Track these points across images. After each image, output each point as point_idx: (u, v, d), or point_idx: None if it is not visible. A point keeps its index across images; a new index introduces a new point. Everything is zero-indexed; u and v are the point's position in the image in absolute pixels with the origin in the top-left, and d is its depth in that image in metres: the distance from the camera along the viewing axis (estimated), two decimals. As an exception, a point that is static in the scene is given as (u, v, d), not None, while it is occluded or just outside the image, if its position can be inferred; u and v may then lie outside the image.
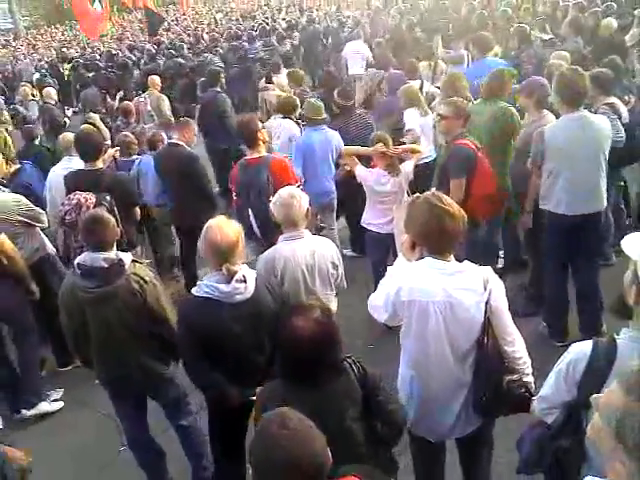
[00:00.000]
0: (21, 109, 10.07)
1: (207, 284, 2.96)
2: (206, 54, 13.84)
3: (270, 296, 3.11)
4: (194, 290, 3.00)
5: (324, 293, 3.54)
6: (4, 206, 4.67)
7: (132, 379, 3.44)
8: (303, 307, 2.51)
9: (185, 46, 15.14)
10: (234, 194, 4.93)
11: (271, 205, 3.56)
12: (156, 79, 9.50)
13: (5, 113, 8.99)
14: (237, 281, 2.94)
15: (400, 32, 11.37)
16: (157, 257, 6.44)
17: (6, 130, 7.70)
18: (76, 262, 3.34)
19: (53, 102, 10.03)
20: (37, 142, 7.14)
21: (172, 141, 5.80)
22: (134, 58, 14.76)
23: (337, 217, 6.18)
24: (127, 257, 3.36)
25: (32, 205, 4.85)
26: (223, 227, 2.96)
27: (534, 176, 4.50)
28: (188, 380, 3.23)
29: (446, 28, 10.85)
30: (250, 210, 4.70)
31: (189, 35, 18.35)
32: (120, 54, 15.28)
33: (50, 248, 5.04)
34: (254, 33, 14.46)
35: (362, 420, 2.43)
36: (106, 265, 3.27)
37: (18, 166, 5.76)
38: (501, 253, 5.78)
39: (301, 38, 14.54)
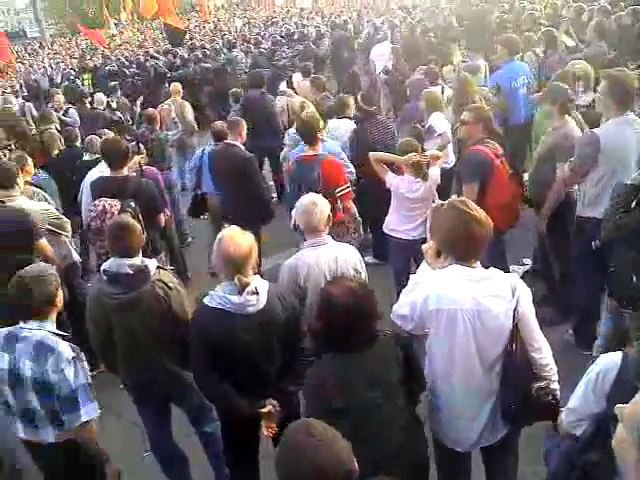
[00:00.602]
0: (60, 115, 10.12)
1: (219, 295, 2.94)
2: (232, 51, 13.86)
3: (282, 306, 3.06)
4: (206, 300, 2.99)
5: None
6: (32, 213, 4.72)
7: (157, 384, 3.46)
8: (339, 279, 2.86)
9: (214, 47, 15.20)
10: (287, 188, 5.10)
11: (293, 212, 3.58)
12: (178, 86, 9.54)
13: (53, 113, 9.00)
14: (249, 293, 2.92)
15: (414, 38, 11.39)
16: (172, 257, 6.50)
17: (56, 128, 7.86)
18: (102, 268, 3.36)
19: (102, 108, 10.14)
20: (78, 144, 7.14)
21: (228, 141, 5.93)
22: (160, 63, 14.81)
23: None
24: (152, 263, 3.38)
25: (59, 214, 4.94)
26: (236, 238, 2.94)
27: (562, 182, 4.40)
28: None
29: (463, 36, 10.77)
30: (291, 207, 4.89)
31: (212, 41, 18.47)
32: (149, 61, 15.32)
33: (76, 256, 5.11)
34: (279, 38, 14.51)
35: (404, 384, 2.62)
36: (131, 271, 3.29)
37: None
38: (525, 260, 5.73)
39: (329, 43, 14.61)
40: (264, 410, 3.02)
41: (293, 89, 9.25)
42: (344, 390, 2.52)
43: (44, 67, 19.56)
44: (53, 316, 3.11)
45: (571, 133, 4.56)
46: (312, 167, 4.92)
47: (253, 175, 5.76)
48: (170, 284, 3.35)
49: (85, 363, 3.05)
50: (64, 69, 18.37)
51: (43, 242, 4.49)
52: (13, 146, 7.06)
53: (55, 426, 3.00)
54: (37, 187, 5.40)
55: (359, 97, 6.47)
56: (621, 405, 1.49)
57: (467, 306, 2.57)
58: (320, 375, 2.63)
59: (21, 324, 3.02)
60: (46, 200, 5.22)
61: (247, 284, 2.91)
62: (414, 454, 2.65)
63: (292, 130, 6.53)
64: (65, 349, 2.96)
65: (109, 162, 5.12)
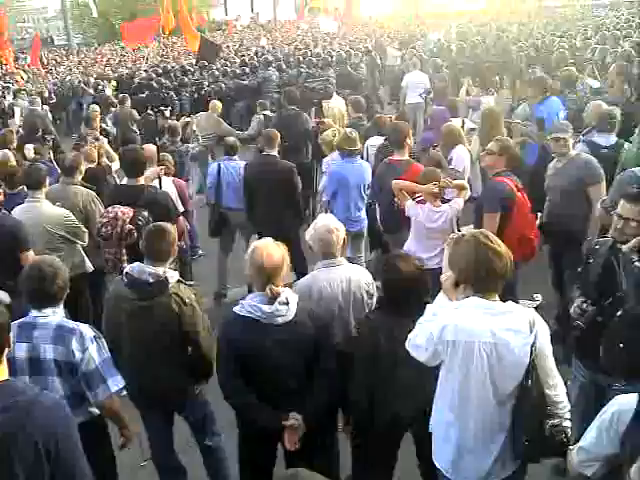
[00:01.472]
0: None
1: (250, 304, 3.00)
2: (269, 70, 14.00)
3: (310, 321, 3.10)
4: (236, 309, 3.05)
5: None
6: (51, 218, 4.85)
7: (160, 393, 3.47)
8: (403, 254, 3.44)
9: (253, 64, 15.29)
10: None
11: (307, 236, 3.61)
12: (217, 104, 9.77)
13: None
14: (280, 303, 2.96)
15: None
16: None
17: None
18: (125, 271, 3.43)
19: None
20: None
21: (266, 152, 6.09)
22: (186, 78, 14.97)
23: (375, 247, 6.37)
24: (174, 276, 3.41)
25: (78, 222, 4.98)
26: (269, 249, 3.01)
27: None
28: (216, 400, 3.25)
29: (472, 70, 10.91)
30: (377, 204, 5.39)
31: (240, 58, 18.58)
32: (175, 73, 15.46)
33: (88, 266, 5.11)
34: (315, 61, 14.63)
35: None
36: (151, 280, 3.33)
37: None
38: (536, 296, 5.70)
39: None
40: (287, 423, 3.03)
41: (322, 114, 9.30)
42: (394, 343, 2.90)
43: (69, 73, 19.79)
44: (62, 302, 3.18)
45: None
46: (397, 170, 5.22)
47: (296, 184, 6.00)
48: (187, 300, 3.36)
49: (103, 340, 3.13)
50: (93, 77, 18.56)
51: (29, 255, 4.41)
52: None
53: (75, 409, 2.96)
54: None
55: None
56: None
57: (484, 339, 2.52)
58: (374, 328, 3.12)
59: (34, 313, 3.06)
60: (94, 203, 5.30)
61: (278, 294, 2.96)
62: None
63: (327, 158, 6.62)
64: (85, 329, 3.06)
65: (126, 170, 5.21)
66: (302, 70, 13.88)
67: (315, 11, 36.43)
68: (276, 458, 3.27)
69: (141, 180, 5.10)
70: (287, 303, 2.98)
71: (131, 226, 4.67)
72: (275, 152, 6.12)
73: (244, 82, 13.78)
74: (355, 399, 3.22)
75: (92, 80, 16.90)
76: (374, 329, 3.12)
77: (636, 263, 3.01)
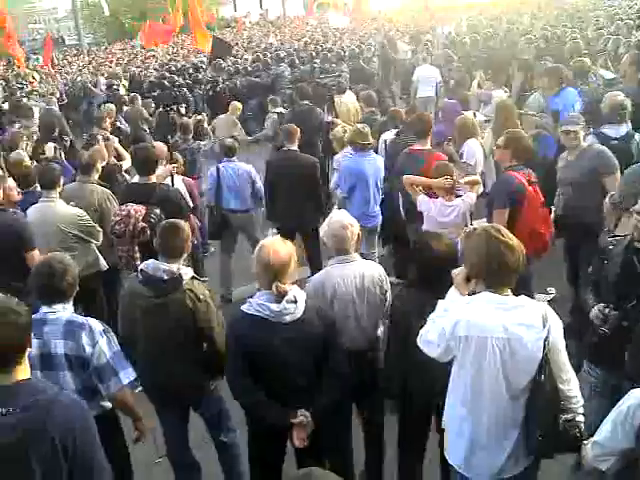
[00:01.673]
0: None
1: (258, 302, 2.99)
2: (281, 66, 13.96)
3: (319, 319, 3.10)
4: (244, 307, 3.04)
5: (372, 318, 3.54)
6: (65, 217, 4.89)
7: (175, 389, 3.48)
8: (435, 233, 3.50)
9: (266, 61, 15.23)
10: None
11: (321, 232, 3.62)
12: (238, 105, 9.91)
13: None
14: (288, 301, 2.95)
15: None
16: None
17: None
18: (140, 267, 3.45)
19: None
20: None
21: (287, 148, 6.17)
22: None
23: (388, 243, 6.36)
24: (188, 272, 3.43)
25: (92, 222, 5.01)
26: (276, 246, 2.99)
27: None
28: (229, 397, 3.24)
29: (485, 63, 10.80)
30: (400, 192, 5.41)
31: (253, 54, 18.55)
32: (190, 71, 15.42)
33: (102, 265, 5.14)
34: (329, 55, 14.60)
35: None
36: (165, 277, 3.36)
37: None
38: (550, 289, 5.67)
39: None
40: (296, 420, 3.03)
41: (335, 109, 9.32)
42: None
43: (80, 73, 19.84)
44: (72, 299, 3.21)
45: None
46: (418, 159, 5.30)
47: (319, 178, 6.09)
48: (201, 296, 3.38)
49: (113, 333, 3.17)
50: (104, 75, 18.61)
51: (34, 254, 4.45)
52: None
53: (87, 403, 2.99)
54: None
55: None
56: None
57: (497, 334, 2.51)
58: (406, 306, 3.23)
59: (44, 309, 3.09)
60: (109, 201, 5.34)
61: (285, 292, 2.95)
62: None
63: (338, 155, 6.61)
64: (94, 323, 3.09)
65: (138, 168, 5.24)
66: (315, 65, 13.85)
67: (324, 7, 36.31)
68: (285, 455, 3.28)
69: (153, 178, 5.13)
70: (295, 301, 2.97)
71: (144, 224, 4.69)
72: (295, 147, 6.15)
73: (256, 79, 13.69)
74: (387, 382, 3.29)
75: (103, 80, 16.92)
76: (406, 313, 3.19)
77: None
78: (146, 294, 3.37)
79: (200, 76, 14.77)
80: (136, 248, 4.74)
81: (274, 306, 2.94)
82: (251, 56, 17.16)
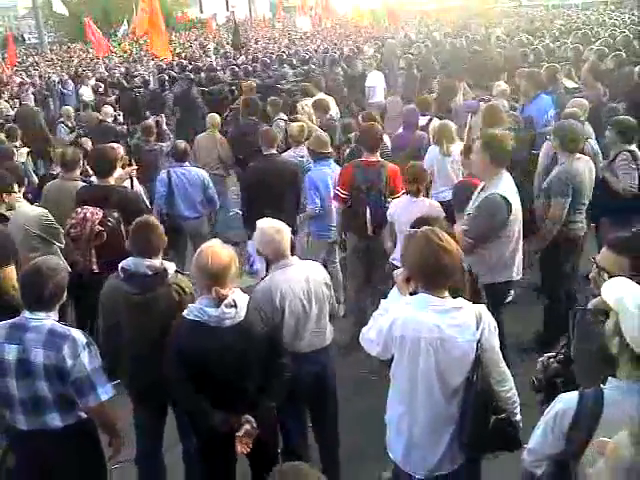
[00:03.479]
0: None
1: (197, 307, 2.97)
2: (284, 67, 13.54)
3: (261, 323, 3.11)
4: (185, 312, 3.01)
5: (320, 318, 3.57)
6: (28, 218, 4.80)
7: (159, 386, 3.36)
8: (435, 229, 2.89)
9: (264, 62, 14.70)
10: (342, 192, 5.20)
11: (256, 242, 3.54)
12: (216, 118, 8.18)
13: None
14: (226, 305, 2.93)
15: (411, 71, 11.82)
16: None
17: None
18: (120, 266, 3.41)
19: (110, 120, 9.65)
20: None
21: (268, 152, 5.92)
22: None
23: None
24: (171, 267, 3.44)
25: (56, 223, 4.92)
26: (216, 250, 2.97)
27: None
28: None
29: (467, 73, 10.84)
30: (368, 207, 5.05)
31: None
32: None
33: (66, 268, 5.06)
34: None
35: None
36: (149, 272, 3.35)
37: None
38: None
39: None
40: (240, 433, 2.99)
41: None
42: None
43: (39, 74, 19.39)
44: (57, 308, 3.13)
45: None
46: (379, 172, 5.10)
47: (300, 182, 5.82)
48: (186, 289, 3.38)
49: (95, 347, 3.08)
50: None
51: (9, 270, 4.23)
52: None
53: (63, 411, 3.03)
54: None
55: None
56: (603, 439, 1.51)
57: (430, 335, 2.60)
58: None
59: (27, 314, 3.02)
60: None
61: (224, 297, 2.92)
62: None
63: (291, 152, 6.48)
64: (78, 335, 3.00)
65: (96, 171, 5.18)
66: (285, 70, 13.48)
67: (290, 10, 36.44)
68: (236, 462, 3.25)
69: (111, 180, 5.09)
70: (235, 305, 2.94)
71: (100, 227, 4.65)
72: (274, 151, 5.98)
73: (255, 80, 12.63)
74: None
75: (70, 81, 16.55)
76: None
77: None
78: (131, 291, 3.35)
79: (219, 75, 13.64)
80: (93, 252, 4.68)
81: (212, 310, 2.92)
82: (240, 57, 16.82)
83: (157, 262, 3.40)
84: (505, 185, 4.01)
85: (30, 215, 4.86)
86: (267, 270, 3.58)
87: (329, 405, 3.77)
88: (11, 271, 4.18)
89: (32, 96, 13.27)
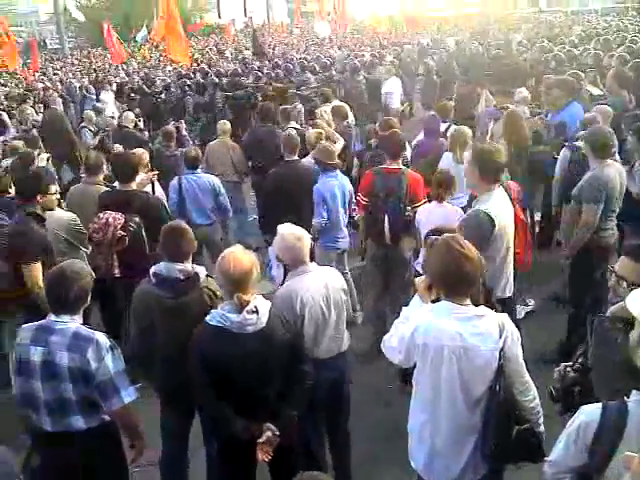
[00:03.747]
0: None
1: (219, 313, 2.98)
2: (306, 73, 13.44)
3: (284, 330, 3.11)
4: (207, 318, 3.03)
5: (338, 324, 3.58)
6: (58, 222, 4.85)
7: (186, 387, 3.34)
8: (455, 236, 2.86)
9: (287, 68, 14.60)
10: (363, 199, 5.24)
11: (275, 248, 3.56)
12: (227, 125, 8.10)
13: None
14: (248, 312, 2.94)
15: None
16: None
17: None
18: (152, 271, 3.46)
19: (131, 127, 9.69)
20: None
21: (290, 158, 5.98)
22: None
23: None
24: (202, 271, 3.48)
25: (83, 229, 4.98)
26: (238, 256, 2.99)
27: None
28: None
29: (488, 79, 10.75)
30: (386, 215, 5.04)
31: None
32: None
33: (91, 272, 5.11)
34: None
35: None
36: (182, 277, 3.40)
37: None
38: (529, 301, 5.73)
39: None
40: (262, 439, 2.99)
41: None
42: None
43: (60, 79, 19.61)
44: (81, 311, 3.17)
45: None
46: (400, 179, 5.09)
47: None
48: (217, 292, 3.41)
49: (119, 350, 3.11)
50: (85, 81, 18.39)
51: (35, 267, 4.34)
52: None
53: (87, 414, 3.06)
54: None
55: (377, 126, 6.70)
56: (630, 454, 1.50)
57: (453, 343, 2.60)
58: None
59: (52, 317, 3.06)
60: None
61: (247, 302, 2.93)
62: None
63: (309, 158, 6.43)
64: (102, 338, 3.04)
65: (118, 175, 5.25)
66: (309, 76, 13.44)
67: (308, 15, 36.59)
68: (256, 469, 3.25)
69: (133, 185, 5.15)
70: (256, 312, 2.94)
71: (122, 232, 4.70)
72: (296, 157, 6.03)
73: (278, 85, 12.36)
74: None
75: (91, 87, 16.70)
76: None
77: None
78: (163, 295, 3.39)
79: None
80: (114, 256, 4.74)
81: (234, 316, 2.93)
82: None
83: (189, 266, 3.44)
84: (493, 202, 3.86)
85: (60, 219, 4.91)
86: (284, 276, 3.59)
87: (344, 411, 3.79)
88: (36, 269, 4.30)
89: (60, 99, 13.34)
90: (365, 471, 3.95)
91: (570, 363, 2.86)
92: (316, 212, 5.48)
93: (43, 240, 4.46)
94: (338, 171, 5.71)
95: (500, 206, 3.90)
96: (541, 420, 2.76)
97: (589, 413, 2.11)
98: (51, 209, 4.78)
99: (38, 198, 4.58)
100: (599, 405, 2.11)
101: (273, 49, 24.03)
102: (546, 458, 2.35)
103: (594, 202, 4.57)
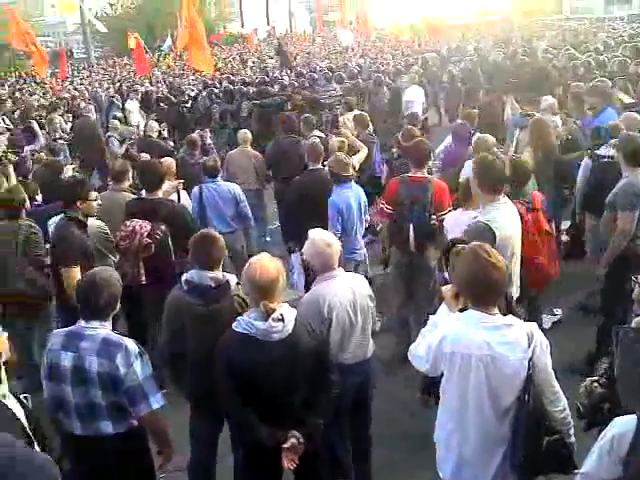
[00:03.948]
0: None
1: (246, 320, 2.99)
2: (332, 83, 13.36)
3: (309, 337, 3.11)
4: (234, 325, 3.04)
5: (364, 329, 3.60)
6: (89, 229, 4.84)
7: (215, 393, 3.35)
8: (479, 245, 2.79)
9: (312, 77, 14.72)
10: (387, 208, 5.23)
11: (305, 251, 3.58)
12: (247, 134, 8.02)
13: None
14: (274, 319, 2.94)
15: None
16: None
17: None
18: (184, 278, 3.50)
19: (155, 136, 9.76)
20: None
21: (314, 167, 6.02)
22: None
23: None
24: (233, 278, 3.51)
25: (112, 237, 5.03)
26: (263, 263, 3.00)
27: None
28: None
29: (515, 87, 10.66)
30: (411, 223, 5.00)
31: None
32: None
33: (119, 279, 5.15)
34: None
35: None
36: (213, 284, 3.43)
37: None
38: (556, 311, 5.66)
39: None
40: (287, 444, 2.99)
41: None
42: None
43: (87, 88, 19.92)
44: (111, 318, 3.21)
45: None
46: (425, 187, 5.06)
47: None
48: (247, 300, 3.39)
49: (147, 356, 3.14)
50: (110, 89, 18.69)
51: (73, 271, 4.42)
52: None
53: (115, 419, 3.10)
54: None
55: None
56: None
57: (481, 352, 2.59)
58: None
59: (82, 323, 3.11)
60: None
61: (273, 310, 2.94)
62: None
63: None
64: (131, 344, 3.07)
65: (144, 184, 5.31)
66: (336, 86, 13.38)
67: (330, 24, 36.76)
68: (282, 474, 3.24)
69: (159, 194, 5.19)
70: (282, 319, 2.94)
71: (149, 240, 4.75)
72: (320, 165, 6.03)
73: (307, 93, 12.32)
74: None
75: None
76: None
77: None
78: (196, 303, 3.43)
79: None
80: (141, 264, 4.78)
81: (260, 324, 2.93)
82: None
83: (220, 274, 3.47)
84: (496, 213, 3.83)
85: (90, 227, 4.91)
86: (306, 282, 3.62)
87: (367, 415, 3.79)
88: (75, 272, 4.38)
89: (92, 107, 13.50)
90: (383, 478, 3.93)
91: (596, 378, 2.84)
92: (330, 224, 5.41)
93: (83, 244, 4.56)
94: (352, 182, 5.65)
95: (504, 217, 3.88)
96: (572, 431, 2.72)
97: (623, 424, 2.10)
98: (91, 215, 4.84)
99: (78, 204, 4.65)
100: (633, 416, 2.08)
101: (295, 58, 24.18)
102: (577, 470, 2.32)
103: (630, 209, 4.52)
